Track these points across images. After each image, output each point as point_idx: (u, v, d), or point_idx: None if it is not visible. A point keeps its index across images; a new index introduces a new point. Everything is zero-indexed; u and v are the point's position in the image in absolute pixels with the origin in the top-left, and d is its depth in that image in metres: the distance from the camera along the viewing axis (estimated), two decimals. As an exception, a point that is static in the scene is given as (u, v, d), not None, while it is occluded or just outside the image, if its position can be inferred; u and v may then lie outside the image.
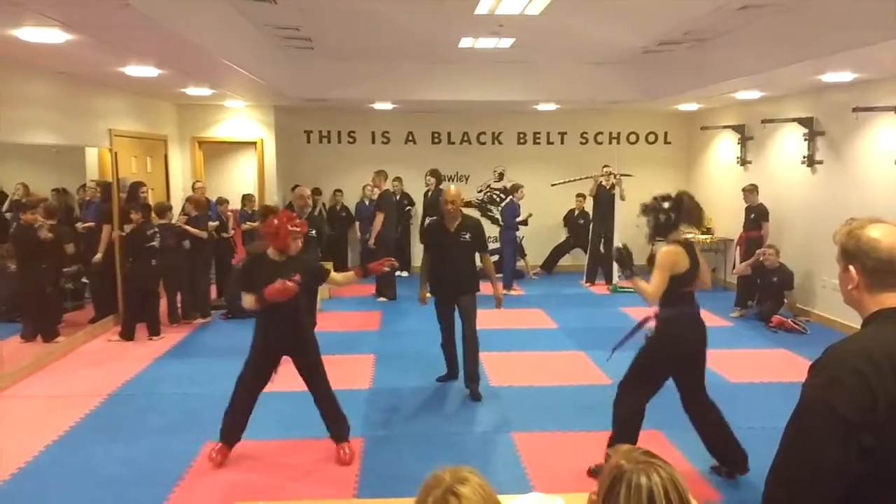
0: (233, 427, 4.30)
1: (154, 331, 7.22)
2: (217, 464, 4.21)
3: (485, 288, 5.53)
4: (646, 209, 3.88)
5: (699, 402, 3.99)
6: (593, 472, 3.99)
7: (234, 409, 4.31)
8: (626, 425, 3.94)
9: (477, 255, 5.51)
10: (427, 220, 9.66)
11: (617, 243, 4.28)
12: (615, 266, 3.92)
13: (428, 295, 5.62)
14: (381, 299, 9.05)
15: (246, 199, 9.60)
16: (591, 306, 8.85)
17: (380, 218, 9.01)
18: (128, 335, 7.09)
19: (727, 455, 3.98)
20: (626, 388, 3.99)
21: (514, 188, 10.12)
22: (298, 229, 4.14)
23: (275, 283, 3.90)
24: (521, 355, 6.06)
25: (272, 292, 3.89)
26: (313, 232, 6.24)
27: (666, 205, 3.78)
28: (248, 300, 4.07)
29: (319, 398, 4.36)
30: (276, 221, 4.12)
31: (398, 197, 10.52)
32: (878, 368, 1.50)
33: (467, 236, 5.37)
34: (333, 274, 4.56)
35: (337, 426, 4.37)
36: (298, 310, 4.21)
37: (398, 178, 10.49)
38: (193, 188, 8.85)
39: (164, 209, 7.67)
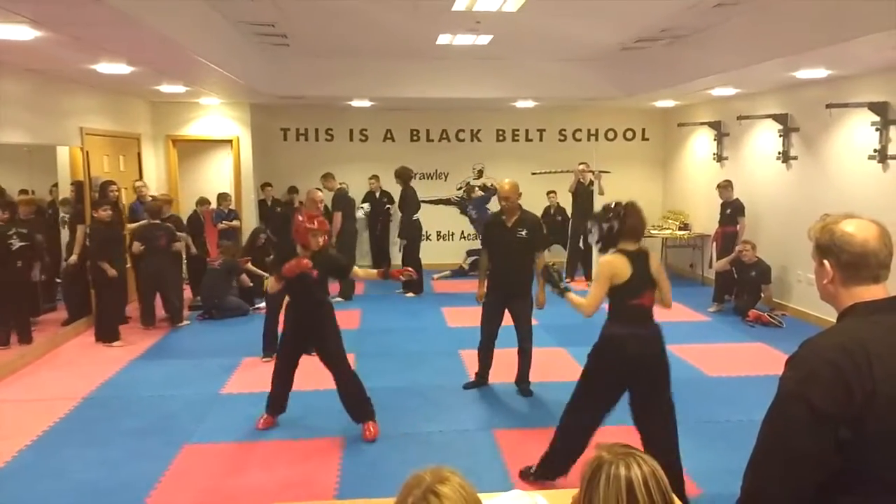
0: (275, 403, 4.78)
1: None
2: (261, 427, 4.73)
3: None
4: (592, 219, 3.80)
5: (652, 422, 3.67)
6: (524, 475, 3.96)
7: (274, 391, 4.77)
8: (564, 443, 3.78)
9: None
10: (401, 219, 9.60)
11: (546, 263, 4.18)
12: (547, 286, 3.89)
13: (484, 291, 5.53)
14: (338, 299, 8.92)
15: (221, 197, 9.50)
16: (571, 303, 8.87)
17: (338, 217, 8.82)
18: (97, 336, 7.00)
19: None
20: (570, 407, 3.82)
21: (470, 189, 10.20)
22: (316, 226, 4.49)
23: (291, 261, 4.38)
24: (502, 352, 6.04)
25: (289, 268, 4.35)
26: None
27: (609, 215, 3.65)
28: (270, 283, 4.68)
29: (342, 384, 4.64)
30: (299, 219, 4.55)
31: (378, 195, 10.46)
32: (854, 362, 1.51)
33: (524, 233, 5.13)
34: (356, 268, 4.84)
35: (358, 409, 4.64)
36: (319, 304, 4.62)
37: (375, 176, 10.43)
38: (134, 188, 8.40)
39: (158, 209, 7.58)
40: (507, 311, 5.37)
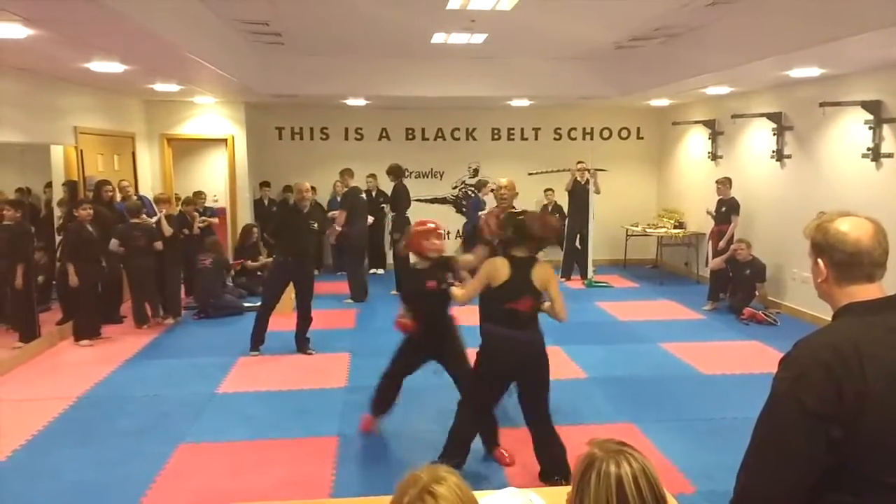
0: (381, 406, 4.55)
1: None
2: (363, 429, 4.61)
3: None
4: (504, 220, 3.97)
5: (536, 422, 3.90)
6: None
7: (381, 395, 4.54)
8: (456, 437, 3.96)
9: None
10: (394, 217, 9.62)
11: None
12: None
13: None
14: (348, 301, 8.91)
15: (196, 196, 9.34)
16: (567, 301, 8.80)
17: (342, 215, 8.79)
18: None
19: (554, 466, 3.85)
20: (464, 399, 4.03)
21: (481, 185, 10.14)
22: (430, 228, 4.25)
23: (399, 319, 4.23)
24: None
25: (398, 326, 4.25)
26: (315, 224, 6.64)
27: (513, 220, 3.82)
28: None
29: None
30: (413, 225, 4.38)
31: (374, 194, 10.46)
32: (846, 362, 1.51)
33: None
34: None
35: None
36: (446, 321, 4.32)
37: (373, 175, 10.45)
38: (119, 188, 8.25)
39: (138, 208, 7.56)
40: None
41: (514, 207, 5.26)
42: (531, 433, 3.94)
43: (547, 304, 3.83)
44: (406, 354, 4.46)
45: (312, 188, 10.73)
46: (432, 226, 4.29)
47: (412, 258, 4.30)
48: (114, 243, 7.40)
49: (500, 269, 3.69)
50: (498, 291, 3.68)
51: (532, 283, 3.72)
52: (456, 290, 3.91)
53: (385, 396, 4.52)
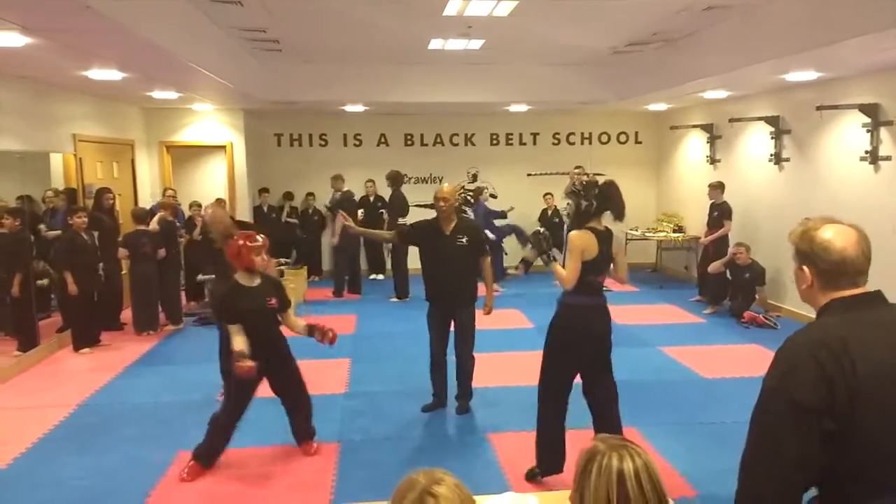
0: (210, 451, 4.23)
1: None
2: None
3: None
4: (570, 193, 3.87)
5: (600, 384, 3.90)
6: (529, 476, 3.97)
7: (216, 440, 4.22)
8: (541, 430, 3.91)
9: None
10: (388, 222, 9.71)
11: (536, 230, 4.10)
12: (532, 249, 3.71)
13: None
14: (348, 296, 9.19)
15: (218, 203, 9.47)
16: (566, 305, 8.87)
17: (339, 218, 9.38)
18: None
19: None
20: (539, 389, 3.94)
21: (478, 192, 10.19)
22: (258, 243, 4.05)
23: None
24: (498, 356, 6.06)
25: (240, 371, 3.88)
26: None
27: (587, 192, 3.75)
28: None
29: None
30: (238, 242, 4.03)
31: (372, 199, 10.47)
32: (833, 355, 1.53)
33: (464, 240, 4.93)
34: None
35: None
36: (275, 335, 4.27)
37: (371, 181, 10.46)
38: (164, 195, 8.66)
39: (143, 215, 7.58)
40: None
41: (464, 210, 5.14)
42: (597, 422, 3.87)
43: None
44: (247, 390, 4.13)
45: (310, 194, 10.89)
46: (260, 241, 4.08)
47: (241, 277, 4.04)
48: (122, 252, 7.42)
49: (591, 242, 3.66)
50: (587, 265, 3.65)
51: (612, 255, 3.79)
52: (559, 271, 3.74)
53: (220, 440, 4.16)
